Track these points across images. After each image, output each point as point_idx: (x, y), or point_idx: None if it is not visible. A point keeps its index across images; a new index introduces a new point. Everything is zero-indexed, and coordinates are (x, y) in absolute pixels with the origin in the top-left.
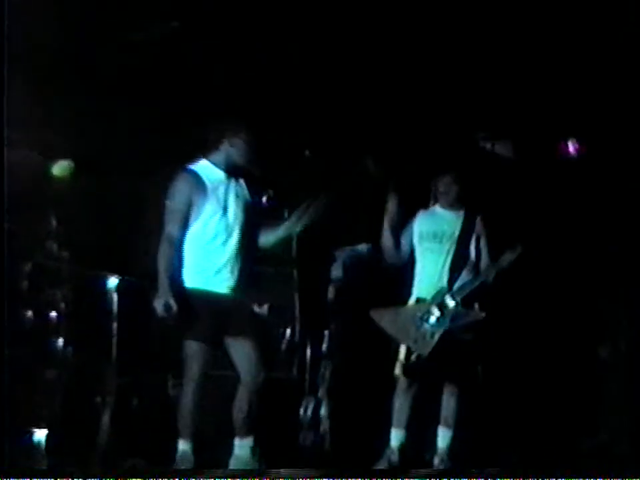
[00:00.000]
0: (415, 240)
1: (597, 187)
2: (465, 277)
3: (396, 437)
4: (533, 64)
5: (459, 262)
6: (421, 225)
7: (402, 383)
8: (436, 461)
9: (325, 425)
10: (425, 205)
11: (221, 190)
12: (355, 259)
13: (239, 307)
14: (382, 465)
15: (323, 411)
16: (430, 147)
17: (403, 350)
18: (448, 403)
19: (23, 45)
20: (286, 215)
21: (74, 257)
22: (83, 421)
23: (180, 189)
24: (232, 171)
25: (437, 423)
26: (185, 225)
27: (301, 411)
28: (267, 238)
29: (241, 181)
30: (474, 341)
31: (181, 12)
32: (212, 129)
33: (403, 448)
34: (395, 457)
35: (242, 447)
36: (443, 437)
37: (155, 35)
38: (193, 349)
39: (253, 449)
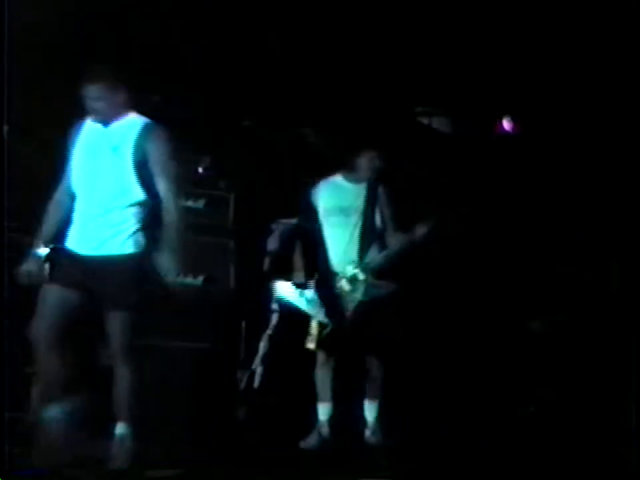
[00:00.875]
0: (321, 215)
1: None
2: (374, 249)
3: (323, 411)
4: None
5: (366, 234)
6: (325, 199)
7: (320, 356)
8: (367, 433)
9: (257, 399)
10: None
11: (92, 143)
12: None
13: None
14: (312, 440)
15: (256, 384)
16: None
17: (314, 324)
18: (369, 375)
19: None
20: (221, 184)
21: None
22: None
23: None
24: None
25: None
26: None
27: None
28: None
29: (132, 135)
30: (387, 313)
31: None
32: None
33: (331, 422)
34: (325, 430)
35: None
36: (370, 410)
37: None
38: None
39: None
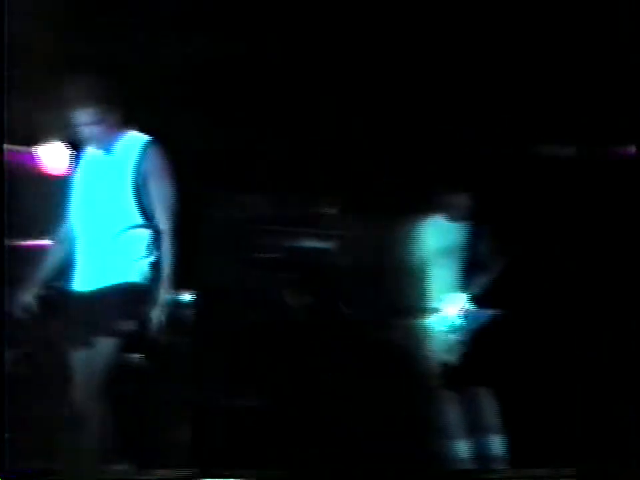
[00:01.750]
0: (426, 255)
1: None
2: (478, 280)
3: (458, 447)
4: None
5: (471, 268)
6: (431, 240)
7: (444, 394)
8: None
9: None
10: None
11: (89, 167)
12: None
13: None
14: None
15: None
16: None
17: (433, 362)
18: (486, 407)
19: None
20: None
21: None
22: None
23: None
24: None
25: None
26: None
27: None
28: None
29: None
30: (494, 340)
31: None
32: None
33: (468, 457)
34: (465, 465)
35: None
36: (494, 443)
37: None
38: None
39: None
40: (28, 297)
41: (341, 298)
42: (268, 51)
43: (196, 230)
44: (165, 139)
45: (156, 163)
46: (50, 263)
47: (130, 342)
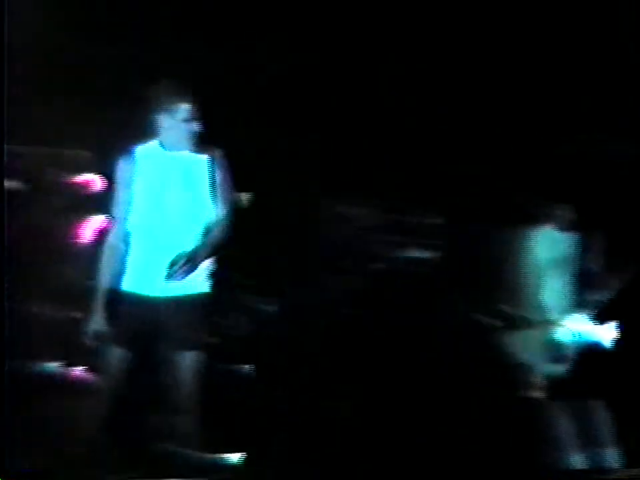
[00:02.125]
0: (538, 264)
1: None
2: (591, 293)
3: (575, 460)
4: None
5: (583, 280)
6: (541, 250)
7: (552, 406)
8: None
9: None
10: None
11: (160, 174)
12: None
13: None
14: None
15: None
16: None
17: (537, 372)
18: (599, 420)
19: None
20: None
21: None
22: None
23: (118, 178)
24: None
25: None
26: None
27: None
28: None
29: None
30: (607, 355)
31: None
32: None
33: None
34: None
35: None
36: (610, 456)
37: None
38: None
39: None
40: (98, 324)
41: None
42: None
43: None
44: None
45: (225, 170)
46: (107, 273)
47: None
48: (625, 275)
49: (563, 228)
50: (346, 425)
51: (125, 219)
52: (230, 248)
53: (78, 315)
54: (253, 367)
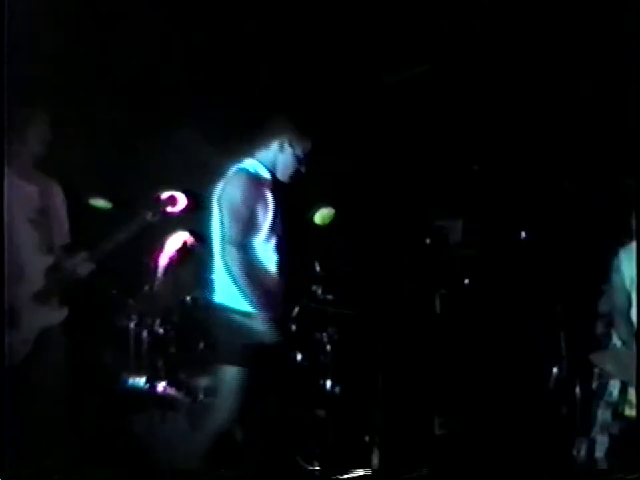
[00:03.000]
0: (627, 283)
1: None
2: None
3: None
4: None
5: None
6: (628, 268)
7: None
8: None
9: None
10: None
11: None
12: None
13: None
14: None
15: None
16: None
17: (632, 390)
18: None
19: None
20: None
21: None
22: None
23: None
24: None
25: None
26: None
27: None
28: None
29: None
30: None
31: None
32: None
33: None
34: None
35: None
36: None
37: None
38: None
39: None
40: None
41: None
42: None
43: None
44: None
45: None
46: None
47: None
48: None
49: None
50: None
51: (231, 237)
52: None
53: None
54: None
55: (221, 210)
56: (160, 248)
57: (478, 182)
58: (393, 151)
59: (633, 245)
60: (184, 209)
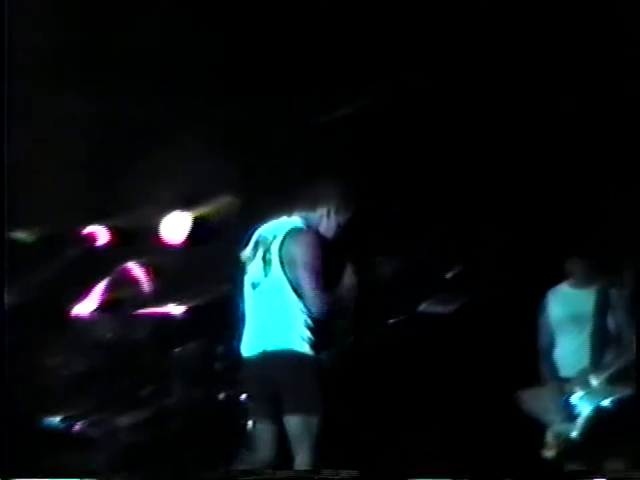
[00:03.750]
0: (553, 323)
1: None
2: (610, 353)
3: None
4: None
5: (600, 339)
6: (556, 308)
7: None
8: None
9: None
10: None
11: None
12: None
13: None
14: None
15: None
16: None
17: (550, 432)
18: None
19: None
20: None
21: None
22: None
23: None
24: None
25: None
26: None
27: None
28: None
29: None
30: (624, 419)
31: None
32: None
33: None
34: None
35: None
36: None
37: None
38: None
39: None
40: None
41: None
42: None
43: None
44: None
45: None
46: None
47: None
48: None
49: (580, 285)
50: None
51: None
52: None
53: None
54: None
55: (283, 262)
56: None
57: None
58: None
59: (562, 286)
60: (106, 243)
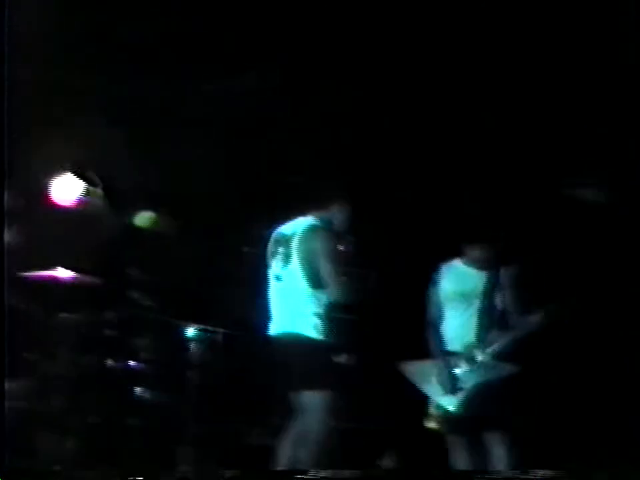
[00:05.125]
0: (442, 297)
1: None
2: (495, 330)
3: None
4: None
5: (488, 316)
6: (446, 283)
7: (450, 439)
8: None
9: None
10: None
11: None
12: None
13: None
14: None
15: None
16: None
17: (433, 404)
18: (494, 456)
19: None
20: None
21: (158, 306)
22: (165, 467)
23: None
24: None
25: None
26: None
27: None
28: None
29: None
30: (507, 395)
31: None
32: (323, 188)
33: None
34: None
35: None
36: None
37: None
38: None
39: None
40: None
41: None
42: None
43: None
44: None
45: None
46: None
47: None
48: (532, 318)
49: (472, 263)
50: None
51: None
52: None
53: None
54: None
55: (303, 256)
56: None
57: None
58: None
59: (455, 262)
60: None
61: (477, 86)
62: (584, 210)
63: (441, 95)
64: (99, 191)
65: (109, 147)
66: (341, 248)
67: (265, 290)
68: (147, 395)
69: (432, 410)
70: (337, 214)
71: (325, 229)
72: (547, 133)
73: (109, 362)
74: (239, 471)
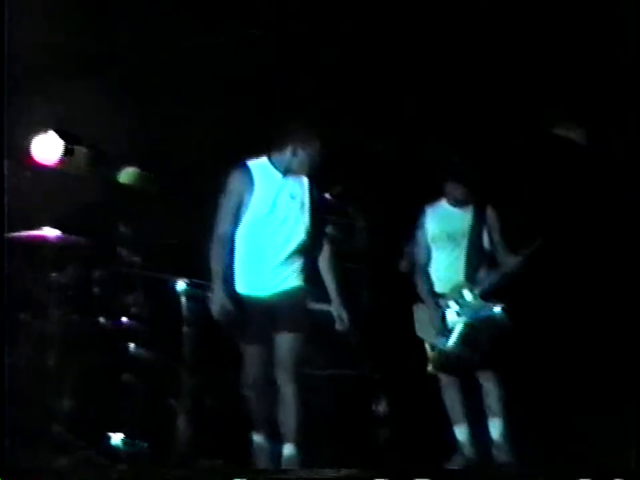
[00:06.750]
0: (429, 239)
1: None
2: (483, 271)
3: (460, 432)
4: None
5: (475, 256)
6: (432, 225)
7: (442, 378)
8: (494, 452)
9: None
10: (429, 199)
11: (272, 190)
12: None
13: (289, 303)
14: (458, 460)
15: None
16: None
17: (428, 346)
18: (487, 392)
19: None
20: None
21: (144, 262)
22: (159, 423)
23: (232, 187)
24: (290, 173)
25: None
26: (236, 224)
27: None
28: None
29: (302, 181)
30: (496, 333)
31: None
32: (279, 129)
33: (471, 441)
34: (468, 450)
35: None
36: (494, 428)
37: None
38: (248, 352)
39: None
40: (223, 299)
41: None
42: None
43: None
44: None
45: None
46: (223, 265)
47: None
48: (519, 256)
49: (457, 204)
50: None
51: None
52: None
53: None
54: None
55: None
56: None
57: None
58: None
59: (441, 202)
60: None
61: (455, 24)
62: (567, 148)
63: (419, 35)
64: (82, 148)
65: (90, 104)
66: (328, 196)
67: None
68: (140, 351)
69: (428, 353)
70: (294, 157)
71: (242, 170)
72: (528, 71)
73: (101, 319)
74: None
